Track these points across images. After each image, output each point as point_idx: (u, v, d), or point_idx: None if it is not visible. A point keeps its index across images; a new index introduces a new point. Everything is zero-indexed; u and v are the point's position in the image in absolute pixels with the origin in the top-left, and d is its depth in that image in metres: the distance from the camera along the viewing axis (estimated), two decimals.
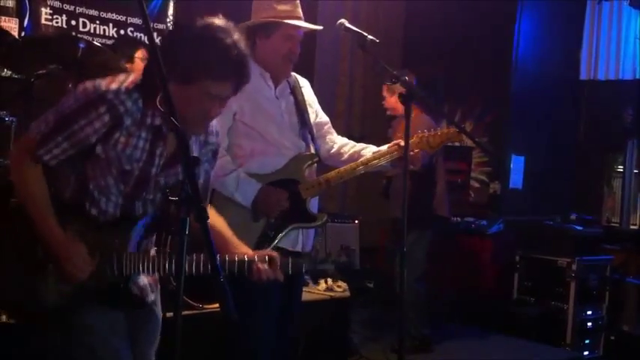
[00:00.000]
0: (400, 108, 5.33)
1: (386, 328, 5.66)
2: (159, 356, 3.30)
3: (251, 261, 2.46)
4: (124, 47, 5.18)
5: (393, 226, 5.57)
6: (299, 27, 3.20)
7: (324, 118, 3.48)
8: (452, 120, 6.61)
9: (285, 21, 3.17)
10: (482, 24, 6.98)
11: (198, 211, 2.00)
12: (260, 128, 3.15)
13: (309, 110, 3.36)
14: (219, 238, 2.46)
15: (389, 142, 3.38)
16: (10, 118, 4.37)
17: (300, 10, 3.26)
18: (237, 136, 3.15)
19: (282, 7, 3.20)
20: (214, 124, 2.52)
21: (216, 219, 2.56)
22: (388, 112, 5.48)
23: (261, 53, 3.22)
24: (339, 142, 3.44)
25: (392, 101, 5.35)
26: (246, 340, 3.12)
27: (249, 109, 3.14)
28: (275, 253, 2.52)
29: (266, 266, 2.46)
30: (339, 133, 3.59)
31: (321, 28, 3.42)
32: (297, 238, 3.21)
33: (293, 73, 3.37)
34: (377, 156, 3.31)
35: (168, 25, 6.51)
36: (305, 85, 3.43)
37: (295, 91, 3.34)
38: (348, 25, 3.21)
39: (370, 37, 3.15)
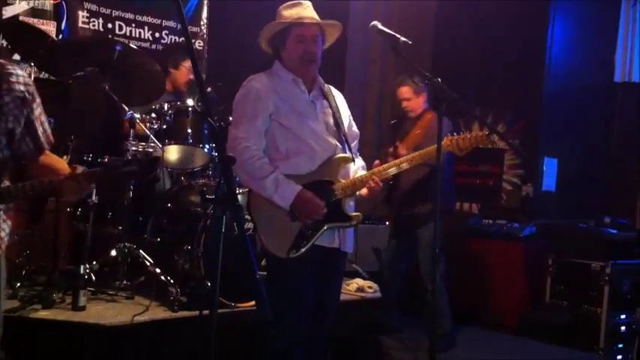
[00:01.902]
0: (420, 108, 5.34)
1: (416, 329, 5.66)
2: (194, 355, 3.36)
3: (52, 180, 2.47)
4: (176, 53, 5.31)
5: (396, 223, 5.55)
6: (303, 26, 3.25)
7: (355, 130, 3.51)
8: (484, 121, 6.59)
9: (287, 21, 3.25)
10: (514, 26, 6.94)
11: (233, 210, 2.03)
12: (295, 128, 3.19)
13: (343, 117, 3.40)
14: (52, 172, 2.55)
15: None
16: (48, 119, 4.44)
17: (309, 11, 3.32)
18: (273, 137, 3.21)
19: (287, 13, 3.30)
20: (20, 74, 2.50)
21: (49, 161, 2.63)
22: (410, 114, 5.41)
23: (286, 61, 3.33)
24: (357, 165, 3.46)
25: (418, 102, 5.32)
26: (279, 338, 3.16)
27: (285, 110, 3.19)
28: (78, 169, 2.52)
29: (71, 182, 2.46)
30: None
31: (331, 23, 3.38)
32: (333, 236, 3.25)
33: (327, 85, 3.41)
34: (409, 158, 3.36)
35: (202, 27, 6.59)
36: (338, 95, 3.49)
37: (328, 97, 3.40)
38: (380, 27, 3.23)
39: (403, 38, 3.17)
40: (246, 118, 3.19)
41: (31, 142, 2.54)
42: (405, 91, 5.35)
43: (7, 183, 2.48)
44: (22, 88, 2.45)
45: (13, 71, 2.45)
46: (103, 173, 2.49)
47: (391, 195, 5.47)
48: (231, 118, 3.40)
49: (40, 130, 2.56)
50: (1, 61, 2.48)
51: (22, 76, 2.48)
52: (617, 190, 7.25)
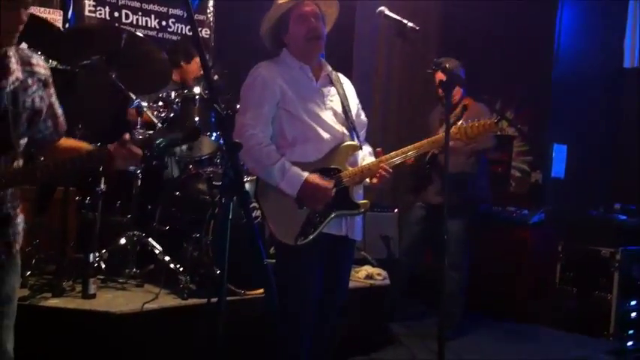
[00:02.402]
0: (458, 95, 5.30)
1: (425, 317, 5.66)
2: (204, 342, 3.36)
3: (101, 150, 2.48)
4: (189, 47, 5.29)
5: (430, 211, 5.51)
6: (302, 4, 3.23)
7: (363, 119, 3.49)
8: (493, 107, 6.54)
9: (285, 4, 3.23)
10: (523, 12, 6.88)
11: (240, 196, 2.02)
12: (302, 116, 3.18)
13: (351, 104, 3.38)
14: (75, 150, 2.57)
15: (426, 133, 3.38)
16: None
17: None
18: (280, 124, 3.20)
19: (282, 0, 3.27)
20: (39, 57, 2.51)
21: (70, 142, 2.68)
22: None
23: (292, 47, 3.31)
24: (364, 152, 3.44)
25: (456, 88, 5.27)
26: (286, 324, 3.15)
27: (292, 98, 3.18)
28: (127, 136, 2.48)
29: (122, 150, 2.44)
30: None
31: (326, 1, 3.36)
32: (340, 224, 3.24)
33: (335, 72, 3.39)
34: (417, 146, 3.34)
35: (209, 16, 6.57)
36: (346, 82, 3.47)
37: (336, 84, 3.38)
38: (387, 12, 3.22)
39: (410, 24, 3.15)
40: (253, 106, 3.17)
41: (52, 125, 2.56)
42: (442, 75, 5.30)
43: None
44: (43, 71, 2.48)
45: (33, 54, 2.48)
46: (150, 139, 2.51)
47: (421, 182, 5.43)
48: (238, 106, 3.38)
49: (59, 113, 2.60)
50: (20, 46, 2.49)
51: (42, 60, 2.51)
52: (628, 176, 7.21)
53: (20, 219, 2.52)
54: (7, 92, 2.33)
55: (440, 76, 5.19)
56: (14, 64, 2.37)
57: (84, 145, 2.65)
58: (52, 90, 2.54)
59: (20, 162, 2.45)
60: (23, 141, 2.43)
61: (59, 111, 2.60)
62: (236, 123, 3.17)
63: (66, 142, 2.66)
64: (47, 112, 2.51)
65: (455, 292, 5.35)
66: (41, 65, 2.48)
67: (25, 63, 2.42)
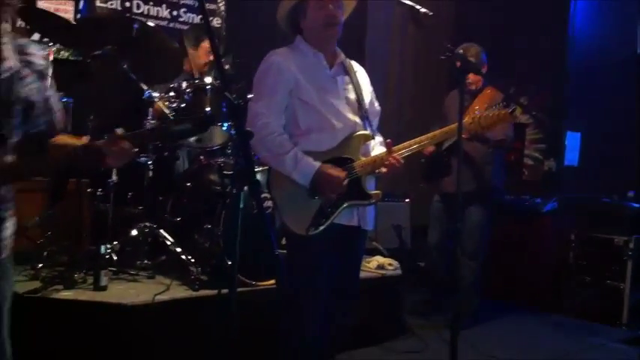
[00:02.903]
0: (479, 83, 5.27)
1: (438, 307, 5.63)
2: (215, 333, 3.35)
3: (90, 146, 2.28)
4: (197, 33, 5.27)
5: (449, 202, 5.47)
6: None
7: (377, 108, 3.47)
8: (508, 94, 6.48)
9: None
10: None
11: (252, 186, 2.00)
12: (316, 104, 3.16)
13: (364, 92, 3.35)
14: (68, 147, 2.34)
15: (442, 120, 3.35)
16: (67, 99, 4.46)
17: None
18: (293, 112, 3.17)
19: None
20: (37, 47, 2.37)
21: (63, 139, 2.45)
22: (470, 87, 5.31)
23: (308, 33, 3.29)
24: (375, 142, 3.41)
25: (472, 75, 5.26)
26: (297, 314, 3.14)
27: (306, 85, 3.15)
28: (118, 132, 2.31)
29: (112, 147, 2.23)
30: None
31: None
32: (352, 214, 3.22)
33: (348, 59, 3.37)
34: (430, 136, 3.31)
35: (220, 4, 6.55)
36: (359, 70, 3.45)
37: (350, 72, 3.35)
38: None
39: (423, 9, 3.13)
40: (267, 94, 3.15)
41: (49, 121, 2.40)
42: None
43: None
44: (41, 62, 2.35)
45: (29, 44, 2.35)
46: (149, 134, 2.39)
47: (437, 171, 5.34)
48: (250, 96, 3.36)
49: (56, 108, 2.44)
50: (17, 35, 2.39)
51: (40, 50, 2.37)
52: None
53: (10, 223, 2.33)
54: (1, 79, 2.20)
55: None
56: (9, 51, 2.24)
57: (77, 142, 2.40)
58: (50, 83, 2.39)
59: (10, 159, 2.28)
60: (16, 134, 2.29)
61: (57, 106, 2.44)
62: (249, 111, 3.14)
63: (62, 139, 2.45)
64: (44, 106, 2.36)
65: (472, 281, 5.36)
66: (39, 55, 2.34)
67: (22, 52, 2.29)
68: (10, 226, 2.33)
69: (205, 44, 5.25)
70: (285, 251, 3.16)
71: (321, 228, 3.09)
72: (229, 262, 3.97)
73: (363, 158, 3.21)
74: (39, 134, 2.38)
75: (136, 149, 2.27)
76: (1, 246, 2.30)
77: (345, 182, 3.11)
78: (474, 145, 5.04)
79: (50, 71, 2.39)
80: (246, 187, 2.07)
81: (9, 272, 2.38)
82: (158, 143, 4.57)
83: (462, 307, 5.33)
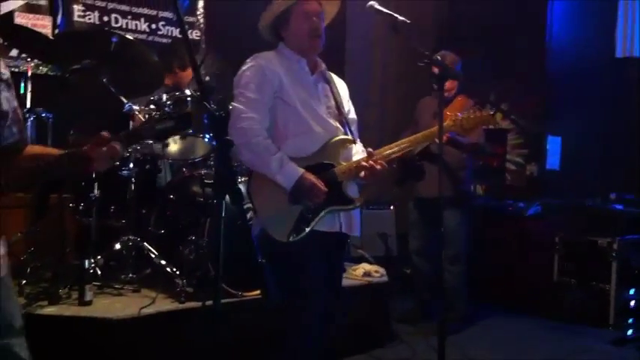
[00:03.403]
0: (454, 90, 5.30)
1: (425, 314, 5.63)
2: (203, 345, 3.32)
3: (76, 151, 2.21)
4: (182, 53, 5.19)
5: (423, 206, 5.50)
6: (308, 2, 3.22)
7: (353, 116, 3.46)
8: (487, 99, 6.54)
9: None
10: (514, 3, 6.88)
11: (233, 193, 1.99)
12: (297, 106, 3.16)
13: (343, 102, 3.37)
14: (47, 156, 2.28)
15: (411, 126, 3.36)
16: (47, 114, 4.44)
17: None
18: (275, 115, 3.16)
19: None
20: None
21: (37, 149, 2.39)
22: (446, 94, 5.35)
23: (290, 41, 3.30)
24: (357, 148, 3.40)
25: (453, 83, 5.27)
26: (291, 321, 3.12)
27: (289, 88, 3.16)
28: (104, 135, 2.23)
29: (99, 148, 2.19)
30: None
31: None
32: (334, 220, 3.20)
33: (330, 72, 3.38)
34: (412, 139, 3.32)
35: (199, 17, 6.56)
36: (340, 82, 3.47)
37: (330, 82, 3.37)
38: (377, 6, 3.21)
39: (401, 17, 3.14)
40: (251, 95, 3.13)
41: (18, 131, 2.30)
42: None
43: None
44: (5, 71, 2.27)
45: None
46: (134, 134, 2.35)
47: (409, 175, 5.37)
48: (231, 106, 3.33)
49: (22, 118, 2.37)
50: None
51: (1, 60, 2.29)
52: (623, 166, 7.21)
53: (3, 241, 2.28)
54: None
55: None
56: None
57: (53, 151, 2.34)
58: (14, 92, 2.30)
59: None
60: None
61: (22, 116, 2.39)
62: (232, 113, 3.13)
63: (33, 148, 2.36)
64: (12, 116, 2.27)
65: (458, 286, 5.38)
66: (2, 65, 2.27)
67: None
68: (3, 243, 2.29)
69: None
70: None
71: (303, 234, 3.08)
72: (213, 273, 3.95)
73: (345, 163, 3.20)
74: (10, 146, 2.27)
75: (124, 149, 2.25)
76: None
77: (326, 190, 3.10)
78: (449, 150, 5.05)
79: (11, 80, 2.31)
80: (227, 197, 2.06)
81: (10, 292, 2.35)
82: (140, 149, 4.52)
83: (448, 313, 5.35)
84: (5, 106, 2.24)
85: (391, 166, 3.32)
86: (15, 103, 2.30)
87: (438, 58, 3.20)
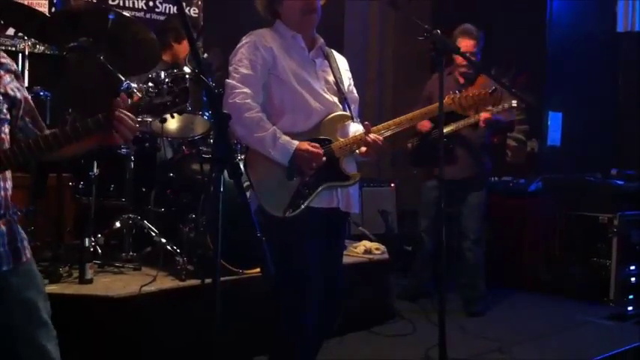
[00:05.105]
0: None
1: (425, 291, 5.64)
2: (202, 323, 3.31)
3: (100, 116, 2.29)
4: (177, 26, 5.18)
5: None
6: None
7: (355, 95, 3.43)
8: (489, 74, 6.48)
9: None
10: None
11: (231, 167, 1.98)
12: (293, 82, 3.12)
13: (343, 78, 3.33)
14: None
15: (422, 105, 3.34)
16: (45, 93, 4.41)
17: None
18: (270, 91, 3.13)
19: None
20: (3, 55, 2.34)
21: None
22: (463, 70, 5.34)
23: (286, 17, 3.26)
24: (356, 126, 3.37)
25: (458, 58, 5.25)
26: (288, 297, 3.11)
27: (284, 65, 3.13)
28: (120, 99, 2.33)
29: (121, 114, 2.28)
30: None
31: None
32: (331, 196, 3.16)
33: (329, 48, 3.35)
34: (410, 116, 3.29)
35: None
36: (340, 58, 3.42)
37: (329, 58, 3.33)
38: None
39: None
40: (245, 70, 3.10)
41: (32, 121, 2.39)
42: (467, 42, 5.24)
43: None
44: (10, 62, 2.33)
45: None
46: (132, 106, 2.37)
47: (432, 157, 5.31)
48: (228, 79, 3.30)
49: (33, 107, 2.42)
50: None
51: (3, 52, 2.35)
52: (624, 142, 7.20)
53: (20, 229, 2.33)
54: None
55: (465, 43, 5.14)
56: None
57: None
58: (24, 84, 2.36)
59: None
60: (5, 130, 2.25)
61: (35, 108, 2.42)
62: (226, 87, 3.10)
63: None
64: (24, 106, 2.35)
65: (479, 266, 5.37)
66: (7, 57, 2.32)
67: None
68: (21, 230, 2.32)
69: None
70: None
71: (299, 210, 3.06)
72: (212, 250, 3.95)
73: (342, 139, 3.18)
74: (24, 137, 2.33)
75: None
76: (20, 247, 2.30)
77: (324, 158, 3.07)
78: (472, 131, 5.05)
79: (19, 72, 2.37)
80: (226, 171, 2.05)
81: (34, 280, 2.36)
82: (139, 127, 4.50)
83: (468, 293, 5.37)
84: (18, 95, 2.30)
85: (387, 143, 3.28)
86: (26, 94, 2.36)
87: (438, 31, 3.15)
